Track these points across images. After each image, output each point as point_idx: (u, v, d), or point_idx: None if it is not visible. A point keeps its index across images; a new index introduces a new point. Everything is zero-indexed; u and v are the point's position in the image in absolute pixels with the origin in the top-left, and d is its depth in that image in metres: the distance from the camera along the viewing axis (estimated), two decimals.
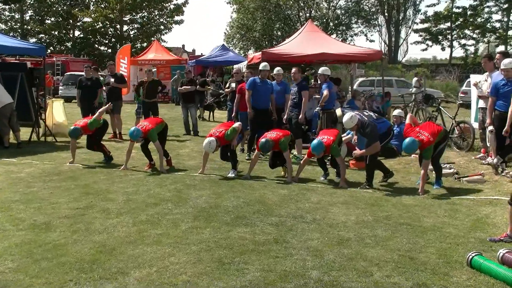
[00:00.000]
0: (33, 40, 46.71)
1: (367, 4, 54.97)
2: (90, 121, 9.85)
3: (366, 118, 8.51)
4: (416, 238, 5.69)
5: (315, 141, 8.47)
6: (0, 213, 6.51)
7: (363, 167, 9.12)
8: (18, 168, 9.37)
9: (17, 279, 4.47)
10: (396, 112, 12.04)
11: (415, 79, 24.76)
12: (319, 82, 11.40)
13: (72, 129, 9.78)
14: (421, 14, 54.61)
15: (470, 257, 4.83)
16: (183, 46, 66.34)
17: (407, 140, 7.85)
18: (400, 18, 56.48)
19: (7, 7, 48.03)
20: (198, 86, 16.32)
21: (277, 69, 11.34)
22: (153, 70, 22.96)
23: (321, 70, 11.22)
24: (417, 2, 55.79)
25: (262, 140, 8.71)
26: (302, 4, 52.29)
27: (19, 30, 48.39)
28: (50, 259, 4.93)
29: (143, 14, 48.73)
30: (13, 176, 8.71)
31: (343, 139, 9.45)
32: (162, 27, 49.13)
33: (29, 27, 49.73)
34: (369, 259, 5.03)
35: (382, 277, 4.61)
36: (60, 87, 29.47)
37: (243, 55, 41.10)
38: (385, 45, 57.00)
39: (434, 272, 4.74)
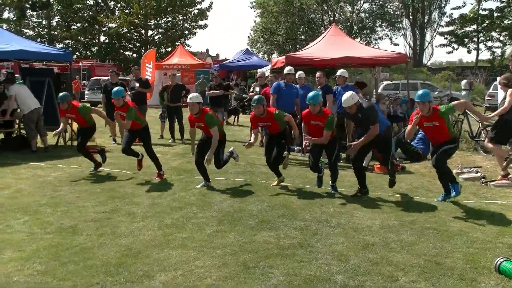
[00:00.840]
0: (59, 45, 47.37)
1: (391, 7, 54.67)
2: (82, 106, 9.67)
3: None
4: (443, 243, 5.63)
5: (311, 93, 8.12)
6: (28, 216, 6.61)
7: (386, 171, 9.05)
8: (45, 172, 9.50)
9: (45, 282, 4.54)
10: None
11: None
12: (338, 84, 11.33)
13: (63, 94, 9.70)
14: (447, 16, 54.02)
15: (498, 262, 4.76)
16: (207, 50, 66.78)
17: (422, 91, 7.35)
18: (425, 21, 55.98)
19: (34, 13, 48.90)
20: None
21: (299, 73, 11.33)
22: (178, 74, 23.11)
23: (340, 72, 11.19)
24: (443, 5, 55.23)
25: (256, 97, 8.52)
26: (326, 7, 52.21)
27: (46, 36, 49.08)
28: (77, 262, 4.99)
29: (167, 19, 49.11)
30: (41, 180, 8.83)
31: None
32: (186, 31, 49.44)
33: (56, 33, 50.44)
34: (395, 264, 4.99)
35: (408, 282, 4.57)
36: (86, 92, 29.84)
37: (266, 59, 41.24)
38: (410, 48, 56.59)
39: (461, 277, 4.69)
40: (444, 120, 7.16)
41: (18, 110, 12.06)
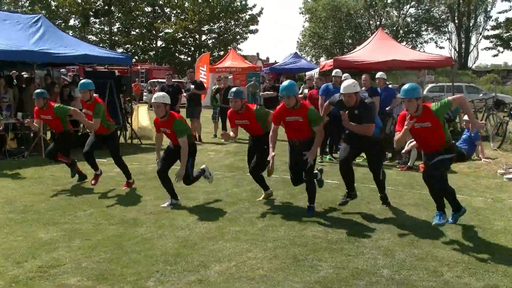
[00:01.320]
0: (120, 50, 48.68)
1: (437, 11, 54.01)
2: (58, 106, 8.71)
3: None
4: (487, 241, 5.71)
5: (284, 82, 6.93)
6: (94, 208, 7.06)
7: None
8: (108, 168, 9.86)
9: (111, 269, 4.87)
10: (466, 116, 11.85)
11: None
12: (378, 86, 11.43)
13: (40, 90, 8.80)
14: (492, 20, 52.87)
15: None
16: (258, 54, 66.96)
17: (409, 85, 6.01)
18: (471, 24, 54.86)
19: (97, 20, 50.74)
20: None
21: (344, 76, 11.50)
22: (230, 77, 23.64)
23: (379, 74, 11.32)
24: (488, 9, 54.06)
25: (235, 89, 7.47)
26: (372, 12, 52.04)
27: (108, 41, 50.57)
28: (139, 252, 5.32)
29: (220, 24, 50.05)
30: (104, 175, 9.09)
31: (412, 144, 9.49)
32: (238, 36, 50.19)
33: (117, 38, 52.01)
34: (440, 260, 5.11)
35: (453, 277, 4.68)
36: (144, 93, 30.77)
37: (314, 62, 41.31)
38: (455, 51, 55.55)
39: (505, 274, 4.76)
40: (438, 120, 5.84)
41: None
